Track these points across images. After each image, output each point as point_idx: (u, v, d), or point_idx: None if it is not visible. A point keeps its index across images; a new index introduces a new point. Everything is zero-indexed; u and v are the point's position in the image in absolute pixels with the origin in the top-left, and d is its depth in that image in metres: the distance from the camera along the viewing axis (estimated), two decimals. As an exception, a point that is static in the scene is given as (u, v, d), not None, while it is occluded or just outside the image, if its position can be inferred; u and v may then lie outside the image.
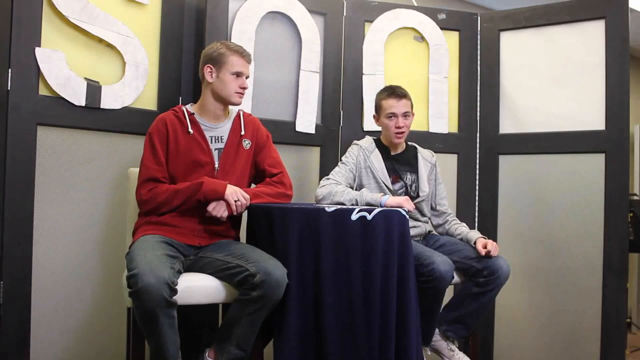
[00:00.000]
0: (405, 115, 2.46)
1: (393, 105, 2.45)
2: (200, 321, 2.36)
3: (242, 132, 2.18)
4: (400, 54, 2.97)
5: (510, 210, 2.98)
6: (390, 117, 2.45)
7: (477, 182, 3.03)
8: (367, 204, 2.23)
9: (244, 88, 2.14)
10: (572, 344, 2.78)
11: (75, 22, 2.23)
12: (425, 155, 2.60)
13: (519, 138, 2.95)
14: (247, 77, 2.16)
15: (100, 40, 2.32)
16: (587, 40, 2.79)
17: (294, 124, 2.76)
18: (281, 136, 2.66)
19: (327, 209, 1.96)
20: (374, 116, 2.58)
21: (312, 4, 2.80)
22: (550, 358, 2.84)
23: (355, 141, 2.54)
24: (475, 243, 2.36)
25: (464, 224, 2.55)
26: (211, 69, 2.13)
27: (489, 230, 2.94)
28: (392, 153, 2.53)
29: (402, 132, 2.46)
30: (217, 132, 2.16)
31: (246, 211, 2.10)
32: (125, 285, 1.77)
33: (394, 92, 2.47)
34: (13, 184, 2.12)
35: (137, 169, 2.11)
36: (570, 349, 2.78)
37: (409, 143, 2.61)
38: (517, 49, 2.98)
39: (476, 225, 3.00)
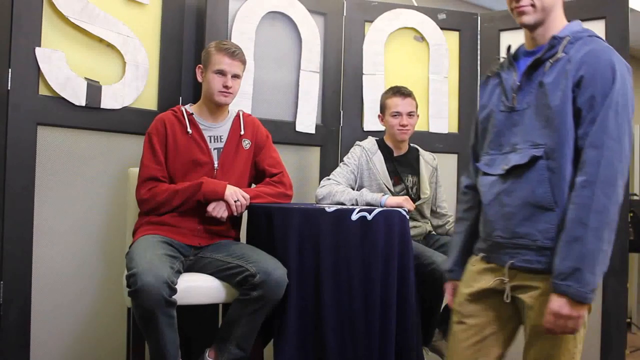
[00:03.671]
0: (410, 114, 2.47)
1: (398, 103, 2.46)
2: (200, 321, 2.36)
3: (242, 132, 2.18)
4: (400, 54, 2.97)
5: (510, 210, 2.97)
6: (395, 115, 2.46)
7: (477, 182, 3.02)
8: (367, 204, 2.23)
9: (227, 86, 2.09)
10: (572, 344, 2.78)
11: (75, 22, 2.23)
12: (427, 158, 2.60)
13: (519, 138, 2.95)
14: (235, 76, 2.11)
15: (101, 40, 2.32)
16: (587, 40, 2.79)
17: (294, 124, 2.76)
18: (281, 136, 2.66)
19: (327, 209, 1.96)
20: (379, 116, 2.58)
21: (312, 4, 2.80)
22: (550, 358, 2.84)
23: (357, 142, 2.55)
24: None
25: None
26: (201, 69, 2.15)
27: (489, 230, 2.93)
28: (395, 155, 2.53)
29: (407, 130, 2.47)
30: (216, 132, 2.16)
31: (246, 211, 2.11)
32: (125, 285, 1.77)
33: (399, 90, 2.49)
34: (13, 184, 2.12)
35: (137, 169, 2.11)
36: (570, 349, 2.78)
37: (411, 145, 2.61)
38: (517, 49, 2.98)
39: (476, 225, 2.99)
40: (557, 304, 1.28)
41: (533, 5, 1.38)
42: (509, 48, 1.53)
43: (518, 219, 1.38)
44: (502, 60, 1.55)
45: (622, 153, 1.28)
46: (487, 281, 1.46)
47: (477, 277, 1.49)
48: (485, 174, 1.49)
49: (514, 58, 1.49)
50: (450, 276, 1.63)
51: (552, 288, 1.29)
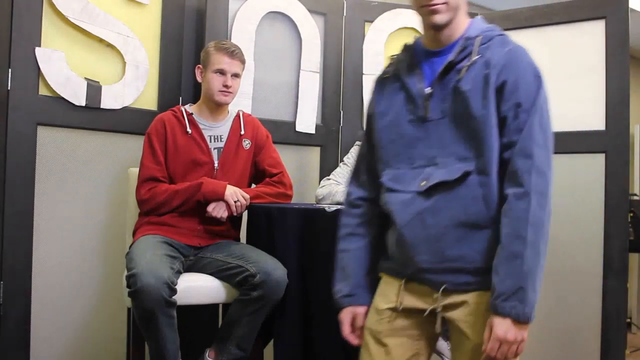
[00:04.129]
0: None
1: None
2: (200, 321, 2.36)
3: (242, 132, 2.18)
4: (400, 54, 2.96)
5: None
6: None
7: (477, 182, 3.02)
8: (367, 204, 2.23)
9: (227, 86, 2.09)
10: (572, 344, 2.78)
11: (75, 22, 2.23)
12: None
13: (519, 138, 2.94)
14: (235, 76, 2.11)
15: (101, 40, 2.32)
16: (587, 40, 2.79)
17: (294, 124, 2.76)
18: (281, 136, 2.66)
19: (327, 209, 1.96)
20: None
21: (312, 4, 2.80)
22: (550, 358, 2.84)
23: (357, 142, 2.54)
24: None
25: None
26: (201, 69, 2.15)
27: (489, 230, 2.93)
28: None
29: None
30: (216, 131, 2.16)
31: (246, 211, 2.11)
32: (125, 285, 1.77)
33: None
34: (13, 184, 2.12)
35: (137, 169, 2.11)
36: (570, 349, 2.78)
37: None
38: (517, 49, 2.97)
39: (476, 225, 2.99)
40: (503, 328, 1.15)
41: (446, 3, 1.23)
42: (405, 47, 1.39)
43: (448, 241, 1.22)
44: (397, 59, 1.38)
45: (549, 160, 1.19)
46: (413, 300, 1.29)
47: (398, 292, 1.31)
48: (393, 190, 1.29)
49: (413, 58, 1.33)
50: (349, 302, 1.40)
51: (492, 310, 1.15)
